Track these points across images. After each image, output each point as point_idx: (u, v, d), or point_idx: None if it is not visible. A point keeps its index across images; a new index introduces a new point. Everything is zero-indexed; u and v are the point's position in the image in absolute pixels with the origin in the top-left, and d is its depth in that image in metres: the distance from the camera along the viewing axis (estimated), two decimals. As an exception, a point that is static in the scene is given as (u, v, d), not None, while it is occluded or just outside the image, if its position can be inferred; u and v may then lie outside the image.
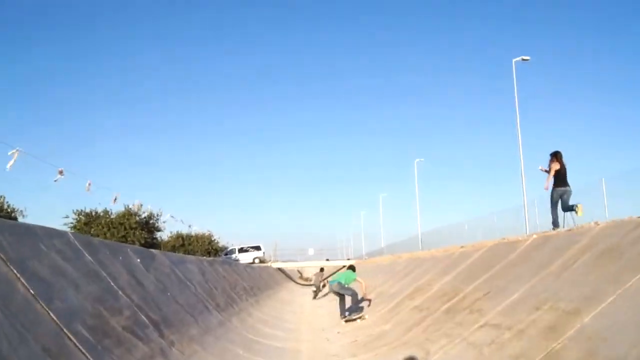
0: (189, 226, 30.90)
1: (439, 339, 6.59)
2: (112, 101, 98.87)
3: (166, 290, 7.36)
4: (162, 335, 5.67)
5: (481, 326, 6.05)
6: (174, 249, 31.82)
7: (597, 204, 11.64)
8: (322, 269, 25.90)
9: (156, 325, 5.74)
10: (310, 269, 77.31)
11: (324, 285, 21.96)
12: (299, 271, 72.74)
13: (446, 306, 8.02)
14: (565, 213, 9.45)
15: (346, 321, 11.66)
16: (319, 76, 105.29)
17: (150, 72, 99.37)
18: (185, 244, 33.81)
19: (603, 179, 11.90)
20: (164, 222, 26.31)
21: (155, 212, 25.52)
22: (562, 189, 9.49)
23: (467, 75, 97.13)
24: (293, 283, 42.08)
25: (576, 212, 9.12)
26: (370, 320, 11.05)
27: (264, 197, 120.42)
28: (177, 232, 34.02)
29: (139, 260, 7.09)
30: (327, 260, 39.48)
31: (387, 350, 7.40)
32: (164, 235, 30.27)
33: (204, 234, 35.27)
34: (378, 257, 35.15)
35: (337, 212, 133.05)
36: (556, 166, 9.51)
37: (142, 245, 19.05)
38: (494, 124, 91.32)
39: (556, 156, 9.61)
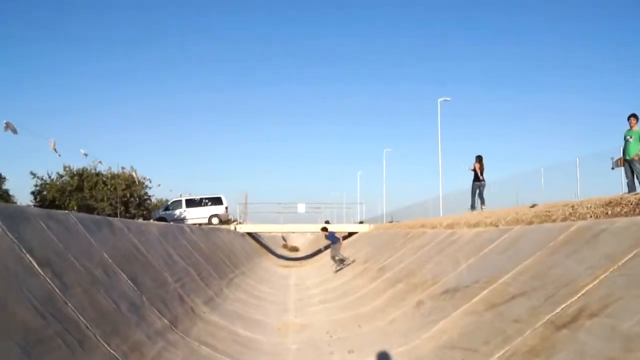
0: (85, 155, 15.61)
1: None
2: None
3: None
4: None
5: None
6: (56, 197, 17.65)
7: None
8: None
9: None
10: (296, 237, 59.49)
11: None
12: (283, 237, 56.94)
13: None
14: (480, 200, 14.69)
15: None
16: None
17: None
18: (84, 187, 19.40)
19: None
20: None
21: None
22: (478, 182, 14.46)
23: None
24: (274, 259, 27.72)
25: (482, 208, 14.34)
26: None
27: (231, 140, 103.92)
28: (69, 167, 19.59)
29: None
30: (327, 222, 25.29)
31: None
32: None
33: (119, 174, 20.63)
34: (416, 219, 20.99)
35: (329, 170, 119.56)
36: (477, 166, 14.39)
37: None
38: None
39: (478, 159, 14.45)
